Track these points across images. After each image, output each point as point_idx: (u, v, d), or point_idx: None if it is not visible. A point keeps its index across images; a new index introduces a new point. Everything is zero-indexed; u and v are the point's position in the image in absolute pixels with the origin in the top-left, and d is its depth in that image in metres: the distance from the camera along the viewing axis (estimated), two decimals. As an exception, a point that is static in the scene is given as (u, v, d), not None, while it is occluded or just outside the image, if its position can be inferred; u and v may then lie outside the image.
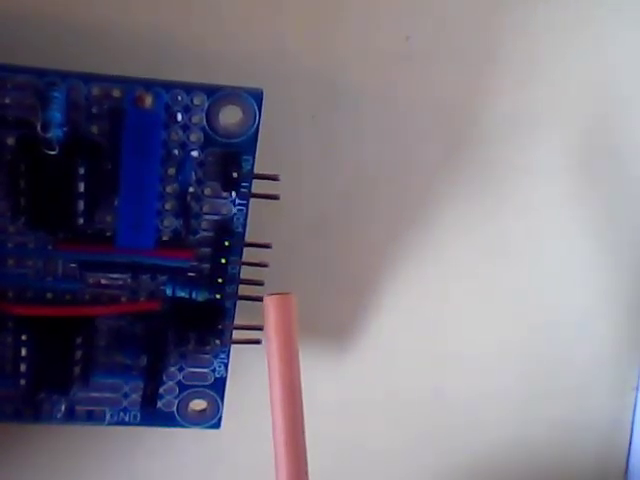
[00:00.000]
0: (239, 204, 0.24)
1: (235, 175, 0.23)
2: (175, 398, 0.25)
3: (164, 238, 0.24)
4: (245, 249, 0.24)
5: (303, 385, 0.28)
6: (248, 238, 0.24)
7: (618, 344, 0.30)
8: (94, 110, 0.22)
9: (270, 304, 0.22)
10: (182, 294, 0.24)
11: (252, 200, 0.24)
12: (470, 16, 0.26)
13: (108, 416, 0.25)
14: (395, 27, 0.26)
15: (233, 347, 0.25)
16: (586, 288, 0.29)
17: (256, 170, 0.23)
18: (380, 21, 0.26)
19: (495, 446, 0.30)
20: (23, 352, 0.24)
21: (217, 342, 0.25)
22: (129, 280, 0.24)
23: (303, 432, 0.22)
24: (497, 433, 0.30)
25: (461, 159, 0.27)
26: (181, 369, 0.25)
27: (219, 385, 0.25)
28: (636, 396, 0.31)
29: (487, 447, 0.30)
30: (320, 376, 0.28)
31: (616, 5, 0.27)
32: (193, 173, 0.23)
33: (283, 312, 0.22)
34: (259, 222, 0.24)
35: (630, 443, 0.31)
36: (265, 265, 0.24)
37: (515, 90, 0.27)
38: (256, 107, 0.23)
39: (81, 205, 0.22)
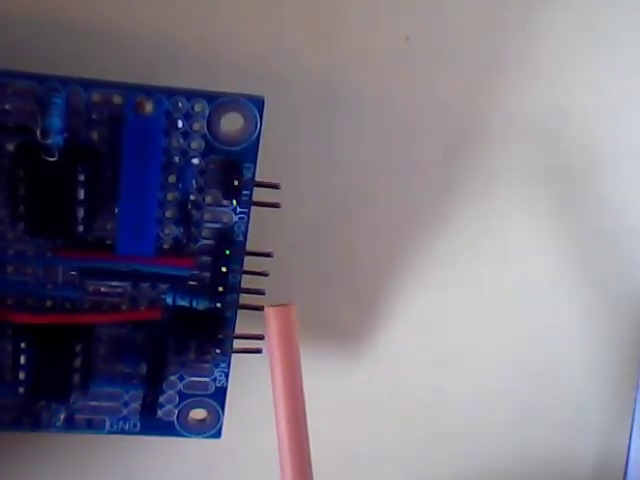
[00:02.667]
0: (240, 212, 0.23)
1: (236, 183, 0.23)
2: (175, 407, 0.25)
3: (165, 246, 0.23)
4: (246, 257, 0.24)
5: (305, 389, 0.28)
6: (249, 245, 0.24)
7: (618, 344, 0.30)
8: (94, 116, 0.22)
9: (271, 315, 0.23)
10: (182, 303, 0.24)
11: (253, 207, 0.23)
12: (470, 16, 0.26)
13: (108, 425, 0.25)
14: (395, 27, 0.26)
15: (234, 356, 0.25)
16: (586, 288, 0.29)
17: (256, 173, 0.23)
18: (380, 21, 0.26)
19: (495, 446, 0.30)
20: (22, 360, 0.23)
21: (217, 351, 0.25)
22: (129, 288, 0.24)
23: (307, 438, 0.23)
24: (497, 433, 0.30)
25: (461, 159, 0.27)
26: (181, 378, 0.25)
27: (219, 394, 0.25)
28: (636, 396, 0.31)
29: (487, 447, 0.30)
30: (322, 381, 0.28)
31: (617, 5, 0.27)
32: (194, 181, 0.23)
33: (284, 322, 0.23)
34: (260, 229, 0.24)
35: (630, 443, 0.31)
36: (266, 274, 0.24)
37: (515, 90, 0.27)
38: (257, 114, 0.22)
39: (81, 212, 0.22)
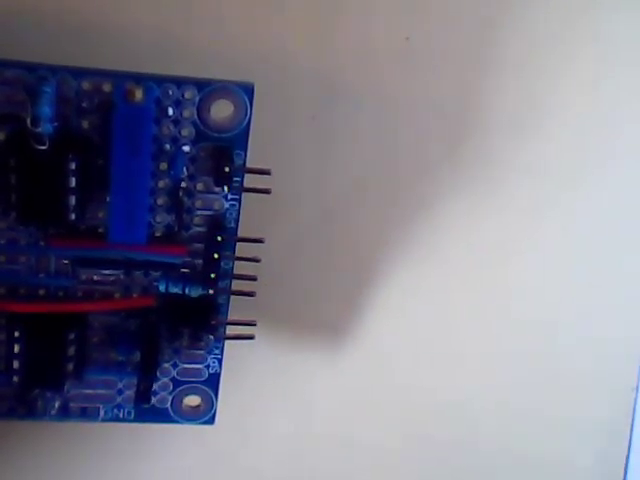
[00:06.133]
0: (231, 199, 0.23)
1: (227, 170, 0.23)
2: (169, 394, 0.25)
3: (157, 234, 0.23)
4: (239, 244, 0.24)
5: (299, 381, 0.28)
6: (243, 233, 0.24)
7: (618, 344, 0.30)
8: (84, 105, 0.22)
9: None
10: (175, 290, 0.24)
11: (249, 197, 0.23)
12: (470, 16, 0.26)
13: (102, 413, 0.25)
14: (395, 27, 0.26)
15: (227, 343, 0.25)
16: (586, 288, 0.29)
17: (255, 164, 0.23)
18: (380, 21, 0.26)
19: (495, 446, 0.30)
20: (16, 349, 0.23)
21: (211, 338, 0.25)
22: (122, 276, 0.24)
23: None
24: (496, 433, 0.30)
25: (461, 159, 0.27)
26: (175, 365, 0.25)
27: (213, 381, 0.25)
28: (636, 396, 0.31)
29: (487, 447, 0.30)
30: (316, 373, 0.28)
31: (617, 4, 0.27)
32: (185, 168, 0.23)
33: None
34: (255, 218, 0.24)
35: (630, 443, 0.31)
36: (258, 260, 0.24)
37: (515, 90, 0.27)
38: (247, 101, 0.22)
39: (72, 200, 0.22)
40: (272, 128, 0.24)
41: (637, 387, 0.31)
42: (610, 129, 0.28)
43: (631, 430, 0.31)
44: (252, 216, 0.24)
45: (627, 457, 0.31)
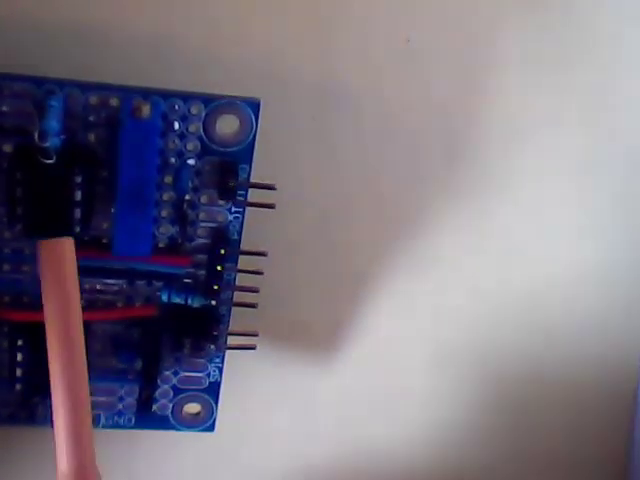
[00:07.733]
0: (235, 212, 0.24)
1: (231, 184, 0.23)
2: (170, 402, 0.26)
3: (160, 245, 0.24)
4: (242, 256, 0.24)
5: (299, 388, 0.28)
6: (245, 245, 0.24)
7: (618, 344, 0.30)
8: (91, 119, 0.22)
9: (42, 248, 0.22)
10: (178, 300, 0.24)
11: (252, 209, 0.24)
12: (470, 16, 0.26)
13: (103, 419, 0.25)
14: (395, 28, 0.26)
15: (228, 352, 0.25)
16: (586, 289, 0.29)
17: (256, 171, 0.23)
18: (380, 22, 0.26)
19: (494, 448, 0.30)
20: (19, 357, 0.24)
21: (212, 347, 0.25)
22: (125, 286, 0.24)
23: (84, 375, 0.22)
24: (497, 435, 0.30)
25: (461, 159, 0.27)
26: (176, 373, 0.25)
27: (213, 389, 0.26)
28: (636, 397, 0.31)
29: (486, 448, 0.30)
30: (316, 383, 0.28)
31: (617, 5, 0.27)
32: (190, 181, 0.23)
33: (55, 256, 0.22)
34: (256, 228, 0.24)
35: (630, 445, 0.31)
36: (260, 273, 0.24)
37: (515, 90, 0.27)
38: (253, 117, 0.23)
39: (78, 213, 0.22)
40: (271, 129, 0.24)
41: (637, 387, 0.31)
42: (611, 129, 0.28)
43: (631, 432, 0.31)
44: (254, 227, 0.24)
45: (627, 457, 0.31)
